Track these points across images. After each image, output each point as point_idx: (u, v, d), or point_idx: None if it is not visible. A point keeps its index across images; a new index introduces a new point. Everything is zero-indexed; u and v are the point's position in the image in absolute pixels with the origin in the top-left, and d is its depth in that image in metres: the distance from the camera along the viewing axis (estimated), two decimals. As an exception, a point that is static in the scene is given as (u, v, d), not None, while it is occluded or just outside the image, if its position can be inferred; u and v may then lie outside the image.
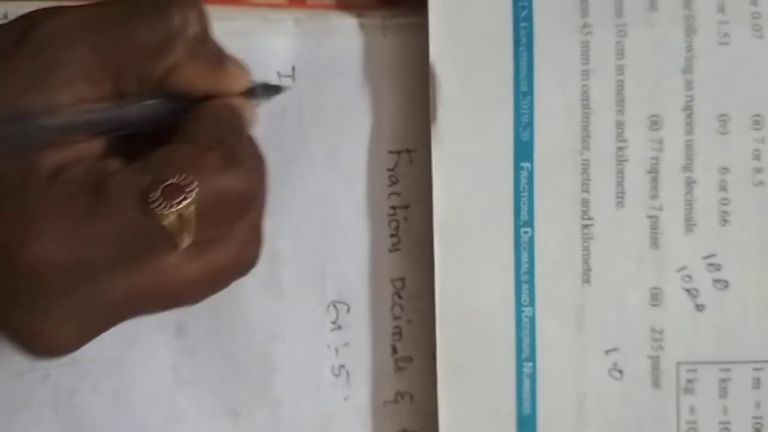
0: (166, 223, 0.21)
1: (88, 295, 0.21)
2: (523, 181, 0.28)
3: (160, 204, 0.21)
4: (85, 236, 0.21)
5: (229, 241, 0.23)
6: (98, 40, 0.22)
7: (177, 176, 0.21)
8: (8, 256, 0.21)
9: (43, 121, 0.21)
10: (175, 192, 0.21)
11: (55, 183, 0.21)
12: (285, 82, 0.29)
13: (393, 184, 0.30)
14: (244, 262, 0.24)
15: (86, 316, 0.22)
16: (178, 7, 0.23)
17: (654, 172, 0.28)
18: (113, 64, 0.22)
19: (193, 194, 0.21)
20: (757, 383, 0.28)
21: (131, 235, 0.21)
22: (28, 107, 0.21)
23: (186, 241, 0.21)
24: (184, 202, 0.21)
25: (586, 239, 0.28)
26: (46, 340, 0.22)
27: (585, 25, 0.28)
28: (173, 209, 0.21)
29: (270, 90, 0.26)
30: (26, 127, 0.21)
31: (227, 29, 0.29)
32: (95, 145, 0.22)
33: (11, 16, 0.27)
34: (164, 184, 0.21)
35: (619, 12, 0.28)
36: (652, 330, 0.28)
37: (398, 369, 0.30)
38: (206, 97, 0.24)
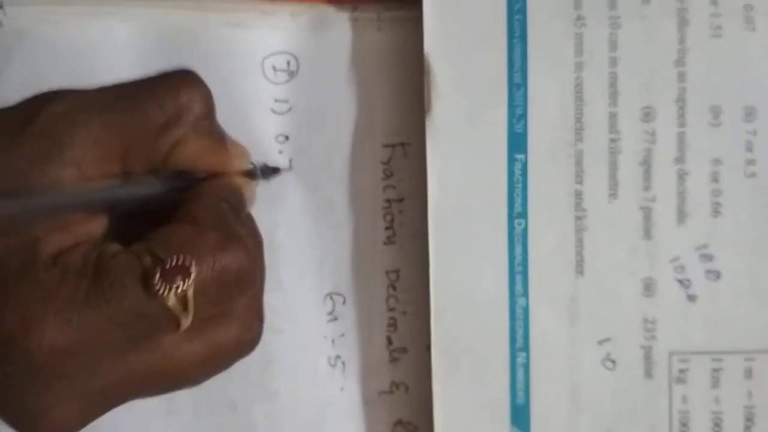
0: (167, 304, 0.21)
1: (90, 378, 0.22)
2: (517, 172, 0.29)
3: (161, 286, 0.21)
4: (88, 321, 0.21)
5: (230, 320, 0.23)
6: (107, 120, 0.22)
7: (176, 257, 0.21)
8: (11, 344, 0.21)
9: (46, 197, 0.21)
10: (175, 273, 0.21)
11: (56, 268, 0.21)
12: (280, 77, 0.29)
13: (387, 177, 0.30)
14: (245, 342, 0.24)
15: (87, 398, 0.22)
16: (185, 86, 0.23)
17: (647, 163, 0.28)
18: (121, 144, 0.22)
19: (193, 275, 0.21)
20: (749, 373, 0.28)
21: (133, 318, 0.21)
22: (33, 184, 0.21)
23: (187, 321, 0.22)
24: (185, 284, 0.21)
25: (580, 230, 0.29)
26: (47, 424, 0.22)
27: (578, 18, 0.28)
28: (174, 291, 0.21)
29: (269, 171, 0.27)
30: (30, 203, 0.21)
31: (223, 21, 0.29)
32: (96, 225, 0.22)
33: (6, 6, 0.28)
34: (164, 267, 0.21)
35: (612, 4, 0.28)
36: (645, 320, 0.29)
37: (393, 360, 0.30)
38: (207, 176, 0.24)
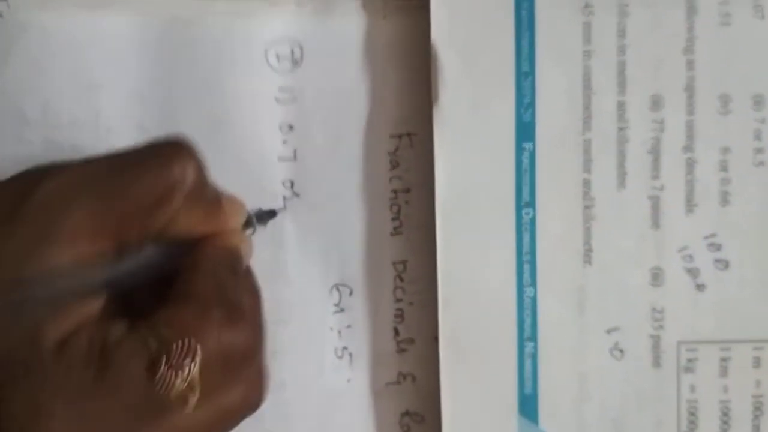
0: (173, 389, 0.21)
1: None
2: (525, 161, 0.28)
3: (167, 373, 0.21)
4: (96, 410, 0.21)
5: (236, 385, 0.23)
6: (99, 198, 0.22)
7: (182, 342, 0.21)
8: None
9: (45, 286, 0.21)
10: (181, 359, 0.21)
11: (61, 359, 0.21)
12: (284, 65, 0.29)
13: (394, 167, 0.30)
14: (252, 401, 0.24)
15: None
16: (177, 160, 0.23)
17: (655, 152, 0.28)
18: (114, 221, 0.22)
19: (199, 358, 0.21)
20: (757, 362, 0.28)
21: (140, 404, 0.21)
22: (30, 273, 0.21)
23: (194, 399, 0.22)
24: (191, 368, 0.21)
25: (588, 220, 0.29)
26: None
27: (586, 6, 0.28)
28: (180, 376, 0.21)
29: (265, 216, 0.27)
30: (29, 293, 0.21)
31: (226, 9, 0.29)
32: (95, 304, 0.22)
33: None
34: (169, 353, 0.21)
35: (620, -8, 0.28)
36: (653, 309, 0.29)
37: (400, 351, 0.30)
38: (203, 237, 0.24)
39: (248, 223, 0.26)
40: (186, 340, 0.21)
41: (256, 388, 0.24)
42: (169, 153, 0.23)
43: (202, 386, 0.21)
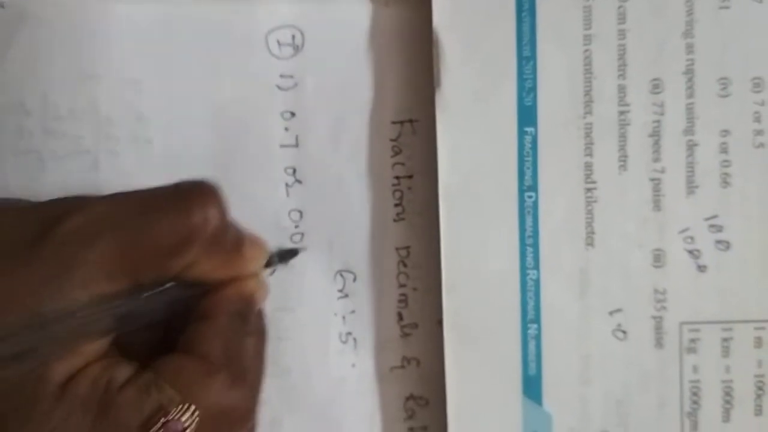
0: None
1: None
2: (527, 146, 0.29)
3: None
4: None
5: None
6: (120, 239, 0.22)
7: (181, 408, 0.21)
8: None
9: (58, 323, 0.21)
10: (176, 424, 0.21)
11: (63, 398, 0.21)
12: (285, 51, 0.29)
13: (396, 154, 0.30)
14: None
15: None
16: (198, 206, 0.23)
17: (656, 135, 0.29)
18: (133, 263, 0.22)
19: (195, 424, 0.21)
20: (758, 342, 0.29)
21: None
22: (45, 307, 0.21)
23: None
24: (186, 427, 0.21)
25: (590, 202, 0.29)
26: None
27: (587, -10, 0.28)
28: None
29: (286, 255, 0.27)
30: (40, 332, 0.21)
31: (232, -3, 0.29)
32: (104, 342, 0.22)
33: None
34: (167, 416, 0.21)
35: (620, -23, 0.28)
36: (655, 291, 0.29)
37: (404, 335, 0.30)
38: (220, 282, 0.24)
39: (269, 263, 0.25)
40: (186, 406, 0.21)
41: None
42: (192, 197, 0.23)
43: None
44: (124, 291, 0.22)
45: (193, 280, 0.23)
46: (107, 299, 0.22)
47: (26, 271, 0.21)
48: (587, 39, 0.28)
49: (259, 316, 0.25)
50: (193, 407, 0.21)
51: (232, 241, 0.24)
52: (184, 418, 0.21)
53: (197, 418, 0.21)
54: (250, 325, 0.24)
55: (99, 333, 0.22)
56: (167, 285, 0.23)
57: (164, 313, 0.23)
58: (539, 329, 0.29)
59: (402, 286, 0.30)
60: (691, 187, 0.29)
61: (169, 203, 0.23)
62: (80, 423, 0.21)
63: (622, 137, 0.29)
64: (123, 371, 0.22)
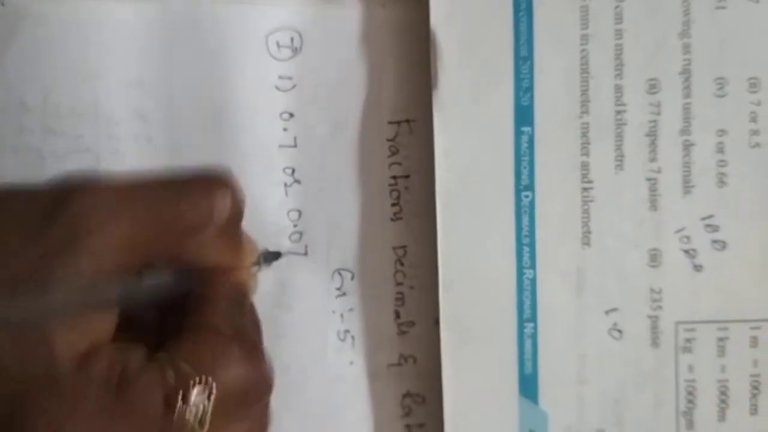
0: (187, 419, 0.21)
1: None
2: (524, 145, 0.29)
3: (183, 408, 0.21)
4: None
5: (243, 421, 0.23)
6: (135, 219, 0.22)
7: (198, 379, 0.21)
8: None
9: (60, 294, 0.21)
10: (196, 395, 0.21)
11: (80, 378, 0.21)
12: (284, 53, 0.29)
13: (393, 154, 0.30)
14: None
15: None
16: (218, 190, 0.23)
17: (652, 135, 0.29)
18: (144, 243, 0.22)
19: (213, 396, 0.21)
20: (754, 342, 0.29)
21: (152, 430, 0.21)
22: (50, 276, 0.21)
23: (204, 430, 0.22)
24: (204, 405, 0.21)
25: (586, 202, 0.29)
26: None
27: (583, -10, 0.28)
28: (193, 412, 0.21)
29: (270, 257, 0.27)
30: (42, 301, 0.21)
31: (229, -3, 0.29)
32: (107, 321, 0.22)
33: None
34: (186, 388, 0.21)
35: (617, -23, 0.28)
36: (651, 290, 0.29)
37: (401, 333, 0.31)
38: (217, 269, 0.24)
39: (257, 262, 0.26)
40: (203, 378, 0.21)
41: (261, 425, 0.24)
42: (212, 186, 0.23)
43: (212, 420, 0.22)
44: (130, 270, 0.22)
45: (195, 265, 0.23)
46: (112, 276, 0.22)
47: (35, 239, 0.21)
48: (584, 39, 0.28)
49: (252, 309, 0.25)
50: (211, 380, 0.22)
51: (238, 232, 0.24)
52: (204, 391, 0.21)
53: (215, 391, 0.21)
54: (246, 314, 0.24)
55: (102, 304, 0.22)
56: (170, 269, 0.23)
57: (163, 297, 0.23)
58: (535, 328, 0.29)
59: (399, 284, 0.30)
60: (687, 186, 0.29)
61: (192, 183, 0.23)
62: (100, 401, 0.21)
63: (619, 137, 0.29)
64: (137, 355, 0.22)
